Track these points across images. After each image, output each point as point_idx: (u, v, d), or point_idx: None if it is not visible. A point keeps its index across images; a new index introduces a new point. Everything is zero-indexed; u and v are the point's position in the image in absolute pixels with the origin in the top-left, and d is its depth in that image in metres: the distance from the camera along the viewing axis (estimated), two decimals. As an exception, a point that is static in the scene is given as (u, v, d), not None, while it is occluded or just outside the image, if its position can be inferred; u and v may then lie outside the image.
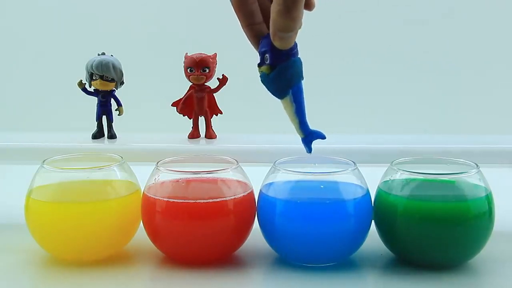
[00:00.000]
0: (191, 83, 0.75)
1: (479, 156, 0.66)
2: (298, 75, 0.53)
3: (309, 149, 0.57)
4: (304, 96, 0.55)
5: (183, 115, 0.76)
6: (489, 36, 1.33)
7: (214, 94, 0.75)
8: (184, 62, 0.74)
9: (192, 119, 0.76)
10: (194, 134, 0.76)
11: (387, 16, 1.35)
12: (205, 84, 0.75)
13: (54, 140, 0.75)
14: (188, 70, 0.73)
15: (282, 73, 0.52)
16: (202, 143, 0.75)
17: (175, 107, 0.75)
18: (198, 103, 0.75)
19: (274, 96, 0.54)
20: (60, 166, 0.63)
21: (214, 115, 0.76)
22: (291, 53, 0.52)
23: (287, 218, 0.60)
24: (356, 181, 0.61)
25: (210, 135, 0.76)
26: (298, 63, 0.53)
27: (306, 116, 0.55)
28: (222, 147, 0.72)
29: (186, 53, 0.74)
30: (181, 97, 0.75)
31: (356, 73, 1.35)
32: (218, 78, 0.74)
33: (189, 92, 0.75)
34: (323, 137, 0.57)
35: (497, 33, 1.33)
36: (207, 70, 0.73)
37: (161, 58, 1.35)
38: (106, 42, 1.20)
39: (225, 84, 0.74)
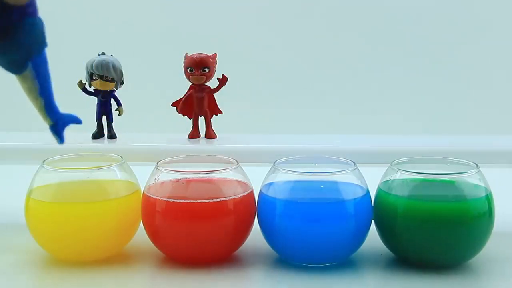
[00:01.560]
0: (191, 83, 0.74)
1: (479, 156, 0.66)
2: (39, 41, 0.41)
3: (61, 139, 0.45)
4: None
5: (183, 115, 0.75)
6: (489, 36, 1.33)
7: (214, 94, 0.75)
8: (184, 62, 0.74)
9: (192, 119, 0.75)
10: (194, 134, 0.75)
11: (387, 15, 1.35)
12: (205, 84, 0.74)
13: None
14: (188, 70, 0.73)
15: (15, 39, 0.39)
16: (202, 143, 0.75)
17: (175, 107, 0.75)
18: (198, 103, 0.74)
19: (8, 71, 0.41)
20: (60, 166, 0.63)
21: (214, 115, 0.76)
22: (26, 11, 0.38)
23: (287, 218, 0.60)
24: (356, 181, 0.61)
25: (210, 135, 0.75)
26: (39, 25, 0.40)
27: (54, 96, 0.42)
28: (222, 147, 0.72)
29: (186, 53, 0.74)
30: (181, 97, 0.75)
31: (356, 73, 1.36)
32: (218, 78, 0.74)
33: (189, 92, 0.74)
34: (78, 122, 0.45)
35: (497, 33, 1.33)
36: (207, 70, 0.73)
37: (161, 58, 1.35)
38: (106, 42, 1.20)
39: (225, 84, 0.74)
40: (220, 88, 0.74)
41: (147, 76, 1.27)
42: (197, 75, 0.73)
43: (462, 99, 1.34)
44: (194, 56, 0.73)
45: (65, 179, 0.63)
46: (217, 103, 0.75)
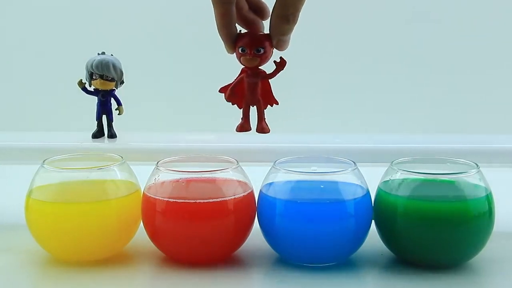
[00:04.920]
0: (243, 66, 0.61)
1: (479, 156, 0.66)
2: None
3: None
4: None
5: (232, 104, 0.63)
6: (489, 35, 1.33)
7: (269, 80, 0.63)
8: (235, 40, 0.60)
9: (242, 109, 0.63)
10: (244, 127, 0.63)
11: (387, 14, 1.35)
12: (259, 68, 0.62)
13: (54, 140, 0.75)
14: (240, 50, 0.60)
15: None
16: (201, 143, 0.74)
17: (223, 94, 0.63)
18: (251, 90, 0.62)
19: None
20: (60, 166, 0.63)
21: (268, 105, 0.63)
22: None
23: (287, 218, 0.60)
24: (356, 181, 0.61)
25: (262, 128, 0.63)
26: None
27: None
28: (222, 147, 0.72)
29: (240, 30, 0.61)
30: (230, 83, 0.62)
31: (356, 72, 1.35)
32: (275, 62, 0.62)
33: (240, 76, 0.62)
34: None
35: (497, 32, 1.33)
36: (262, 51, 0.59)
37: (161, 57, 1.35)
38: (106, 42, 1.20)
39: (283, 69, 0.61)
40: (277, 73, 0.62)
41: (148, 76, 1.27)
42: (250, 56, 0.60)
43: (462, 99, 1.34)
44: (248, 34, 0.60)
45: (65, 179, 0.63)
46: (273, 91, 0.63)
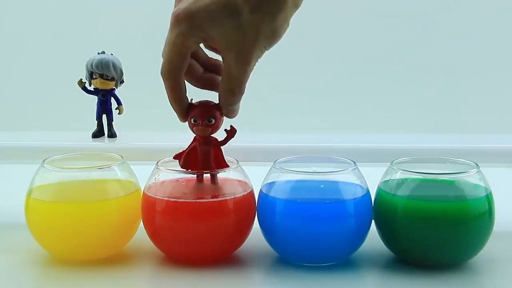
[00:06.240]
0: (195, 135, 0.64)
1: (479, 156, 0.66)
2: None
3: None
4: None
5: (186, 170, 0.64)
6: (489, 35, 1.33)
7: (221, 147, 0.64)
8: (187, 111, 0.62)
9: (196, 175, 0.64)
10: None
11: (386, 15, 1.35)
12: (211, 136, 0.63)
13: (54, 140, 0.75)
14: (192, 120, 0.62)
15: None
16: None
17: (177, 160, 0.64)
18: (203, 157, 0.63)
19: None
20: (60, 166, 0.63)
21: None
22: None
23: (287, 218, 0.60)
24: (356, 181, 0.61)
25: None
26: None
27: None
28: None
29: (191, 99, 0.63)
30: (184, 149, 0.64)
31: (356, 73, 1.35)
32: (225, 130, 0.64)
33: (193, 144, 0.64)
34: None
35: (497, 32, 1.33)
36: (213, 121, 0.62)
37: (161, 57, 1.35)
38: (106, 41, 1.20)
39: (233, 137, 0.63)
40: (228, 140, 0.64)
41: (147, 75, 1.27)
42: (202, 126, 0.62)
43: (462, 99, 1.34)
44: (199, 105, 0.62)
45: (65, 179, 0.63)
46: (224, 157, 0.65)
